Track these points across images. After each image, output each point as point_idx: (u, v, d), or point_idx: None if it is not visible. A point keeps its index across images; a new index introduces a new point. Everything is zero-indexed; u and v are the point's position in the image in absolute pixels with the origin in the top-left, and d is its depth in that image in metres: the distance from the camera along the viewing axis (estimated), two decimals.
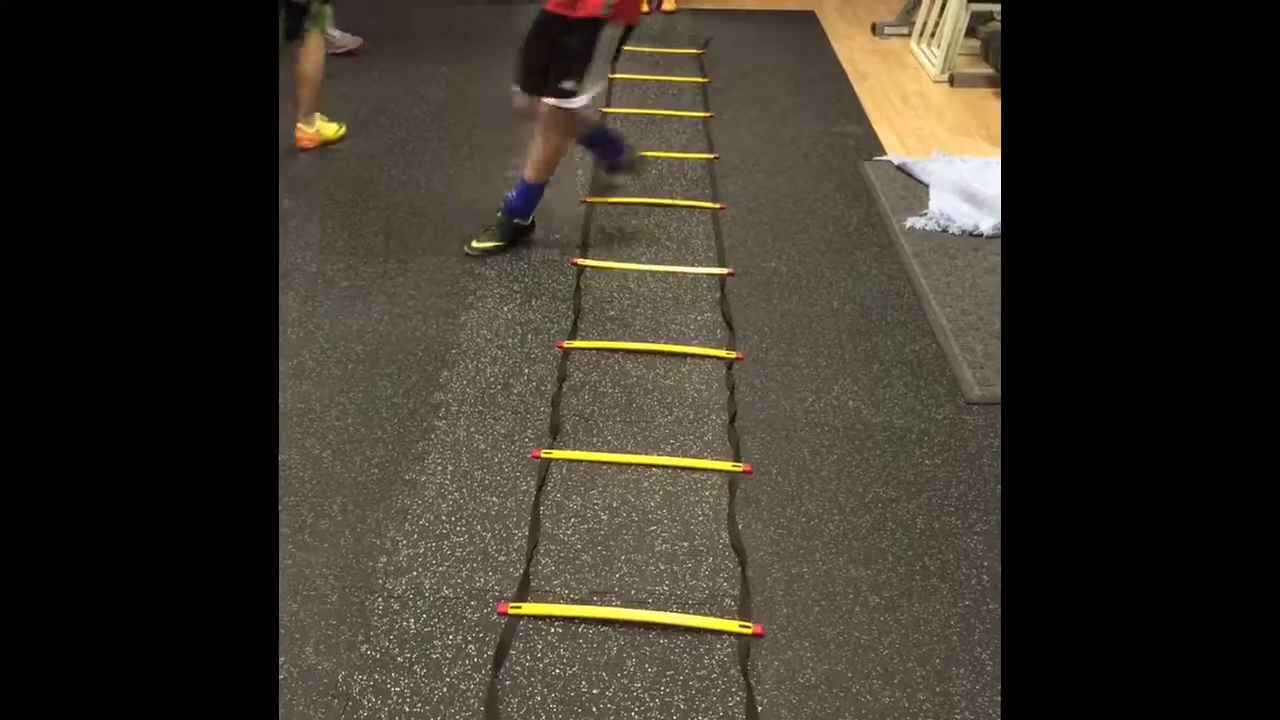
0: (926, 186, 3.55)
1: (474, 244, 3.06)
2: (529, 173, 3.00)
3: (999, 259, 3.11)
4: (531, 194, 3.04)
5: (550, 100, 2.80)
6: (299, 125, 3.75)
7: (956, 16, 4.59)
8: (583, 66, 2.76)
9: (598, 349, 2.66)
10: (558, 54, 2.76)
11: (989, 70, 4.63)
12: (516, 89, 2.95)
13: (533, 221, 3.12)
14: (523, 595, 1.92)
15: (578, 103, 2.81)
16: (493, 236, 3.07)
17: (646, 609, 1.90)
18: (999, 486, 2.23)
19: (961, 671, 1.80)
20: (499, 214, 3.07)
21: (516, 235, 3.09)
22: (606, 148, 3.24)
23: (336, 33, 4.82)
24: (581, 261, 3.06)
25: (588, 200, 3.43)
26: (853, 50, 5.08)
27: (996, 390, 2.52)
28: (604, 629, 1.87)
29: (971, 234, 3.26)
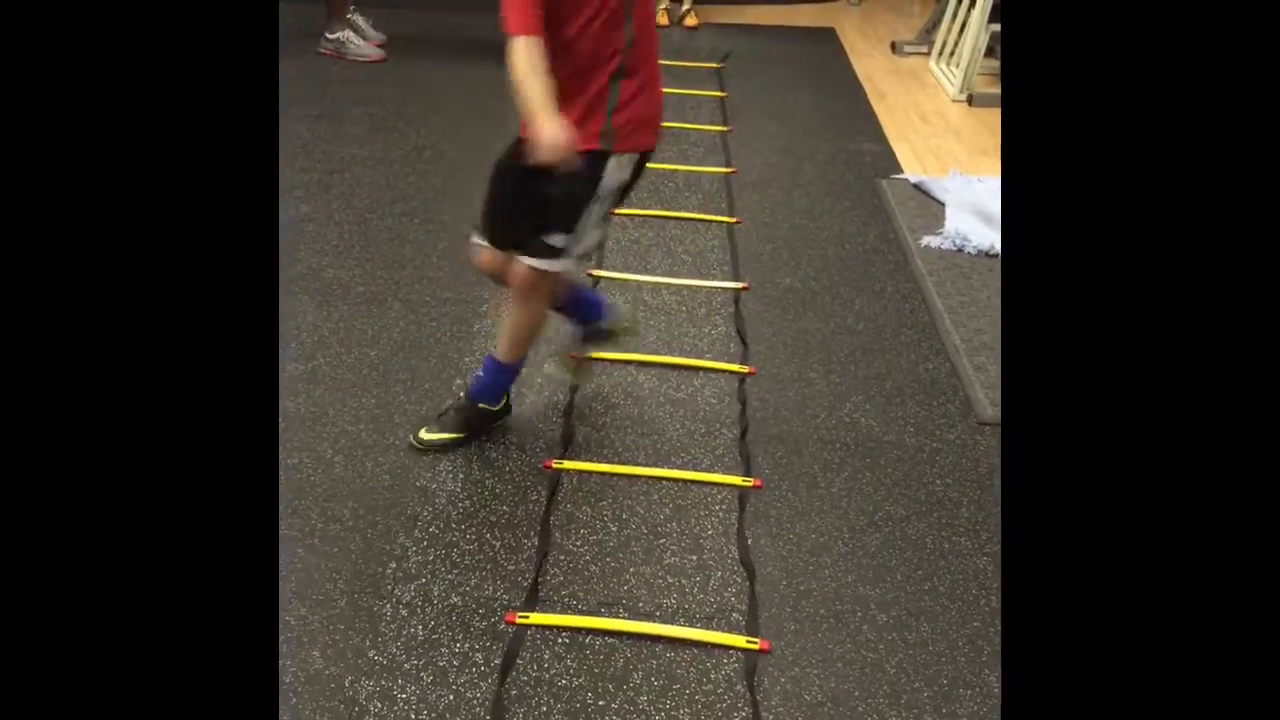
0: (943, 205, 3.55)
1: (422, 435, 2.31)
2: (501, 350, 2.26)
3: None
4: (504, 376, 2.30)
5: (530, 260, 2.06)
6: None
7: (976, 36, 4.60)
8: (577, 213, 2.02)
9: (611, 360, 2.67)
10: (544, 197, 1.99)
11: None
12: (479, 240, 2.19)
13: (506, 404, 2.35)
14: (531, 605, 1.92)
15: (565, 263, 2.09)
16: (449, 426, 2.31)
17: (654, 622, 1.90)
18: None
19: (969, 694, 1.80)
20: (461, 396, 2.34)
21: (482, 424, 2.33)
22: (586, 309, 2.45)
23: (367, 28, 4.88)
24: (597, 273, 3.06)
25: None
26: (872, 68, 5.09)
27: None
28: (611, 640, 1.87)
29: (987, 254, 3.25)
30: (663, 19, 5.46)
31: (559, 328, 2.47)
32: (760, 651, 1.85)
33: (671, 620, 1.91)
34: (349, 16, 4.85)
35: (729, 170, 3.80)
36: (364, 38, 4.88)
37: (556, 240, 2.03)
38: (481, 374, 2.31)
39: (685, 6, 5.47)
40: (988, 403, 2.54)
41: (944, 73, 4.93)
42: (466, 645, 1.84)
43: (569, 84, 1.95)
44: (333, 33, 4.78)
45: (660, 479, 2.26)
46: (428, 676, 1.78)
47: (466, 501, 2.17)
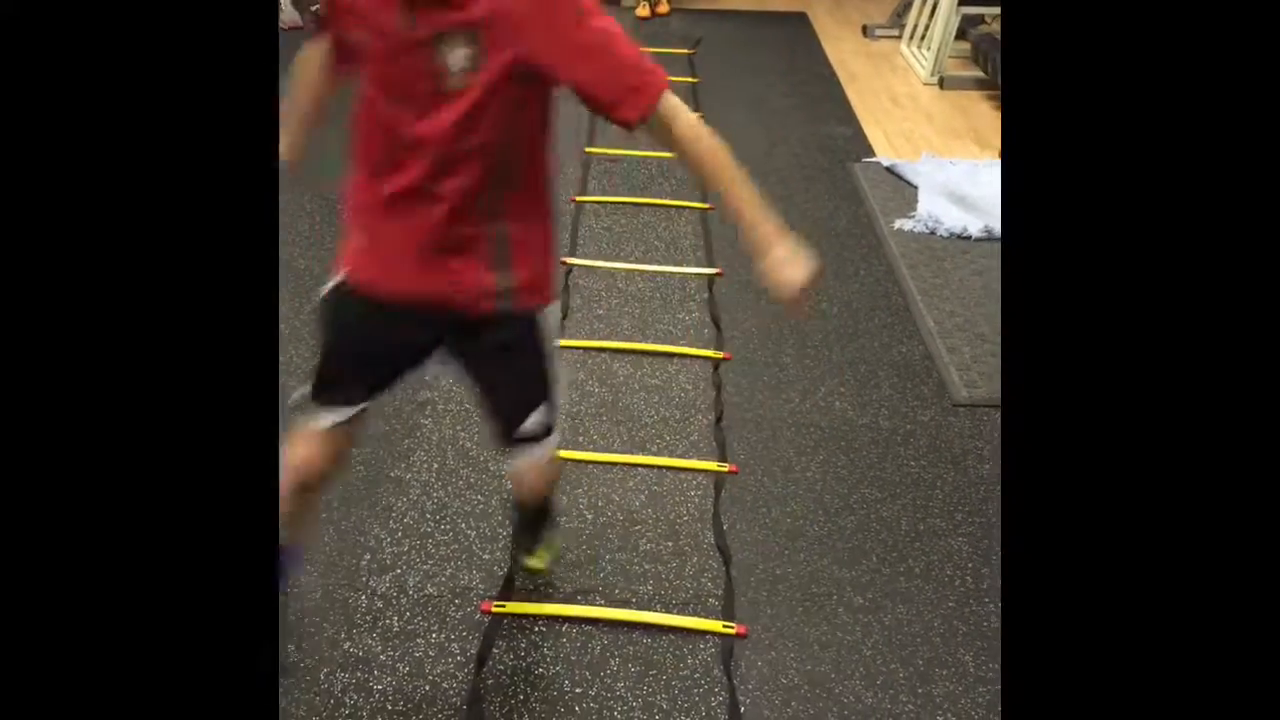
0: (915, 188, 3.56)
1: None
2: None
3: (987, 261, 3.12)
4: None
5: (533, 454, 1.60)
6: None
7: (947, 19, 4.60)
8: (554, 378, 1.55)
9: (585, 348, 2.66)
10: (516, 376, 1.53)
11: (979, 73, 4.64)
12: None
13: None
14: (506, 594, 1.92)
15: (555, 439, 1.62)
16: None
17: (630, 609, 1.90)
18: (984, 489, 2.23)
19: (944, 673, 1.81)
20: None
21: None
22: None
23: None
24: (570, 260, 3.05)
25: (576, 199, 3.43)
26: (843, 52, 5.09)
27: (983, 392, 2.52)
28: (588, 628, 1.86)
29: (959, 236, 3.26)
30: (643, 10, 5.40)
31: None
32: (737, 636, 1.85)
33: (648, 607, 1.91)
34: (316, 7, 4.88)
35: None
36: None
37: (545, 417, 1.57)
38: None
39: None
40: (961, 384, 2.55)
41: (915, 56, 4.94)
42: (442, 635, 1.84)
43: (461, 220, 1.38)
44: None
45: (635, 466, 2.26)
46: (404, 667, 1.78)
47: (441, 492, 2.17)
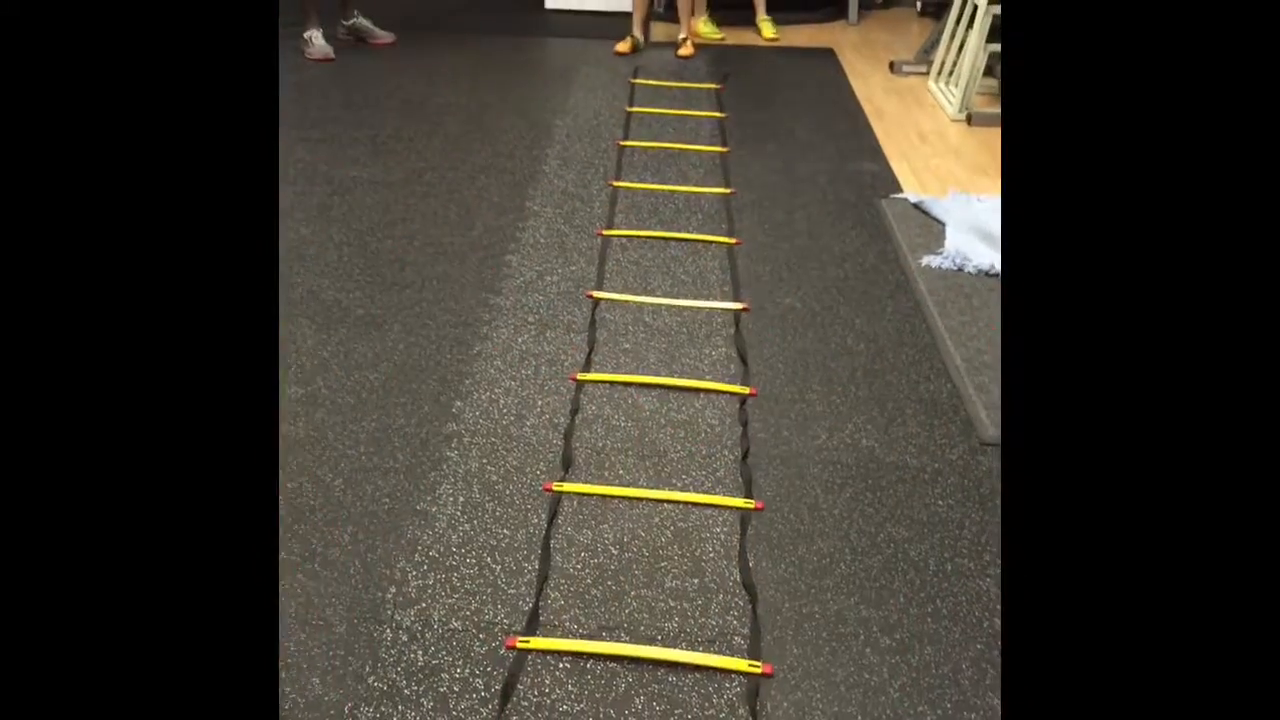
0: (943, 225, 3.55)
1: None
2: None
3: None
4: None
5: None
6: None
7: (975, 56, 4.61)
8: None
9: (611, 382, 2.66)
10: None
11: None
12: None
13: None
14: (531, 629, 1.91)
15: None
16: None
17: (655, 646, 1.89)
18: None
19: (973, 716, 1.78)
20: None
21: None
22: None
23: (373, 28, 5.25)
24: (597, 294, 3.06)
25: (603, 233, 3.44)
26: (871, 88, 5.10)
27: None
28: (612, 665, 1.85)
29: (988, 273, 3.25)
30: (687, 50, 5.40)
31: None
32: (763, 675, 1.84)
33: (673, 644, 1.90)
34: (352, 21, 5.20)
35: (728, 191, 3.80)
36: (373, 39, 5.21)
37: None
38: None
39: (682, 34, 5.46)
40: (989, 423, 2.53)
41: (943, 92, 4.95)
42: (467, 670, 1.83)
43: None
44: (304, 30, 5.12)
45: (661, 501, 2.25)
46: (428, 702, 1.77)
47: (466, 525, 2.16)
